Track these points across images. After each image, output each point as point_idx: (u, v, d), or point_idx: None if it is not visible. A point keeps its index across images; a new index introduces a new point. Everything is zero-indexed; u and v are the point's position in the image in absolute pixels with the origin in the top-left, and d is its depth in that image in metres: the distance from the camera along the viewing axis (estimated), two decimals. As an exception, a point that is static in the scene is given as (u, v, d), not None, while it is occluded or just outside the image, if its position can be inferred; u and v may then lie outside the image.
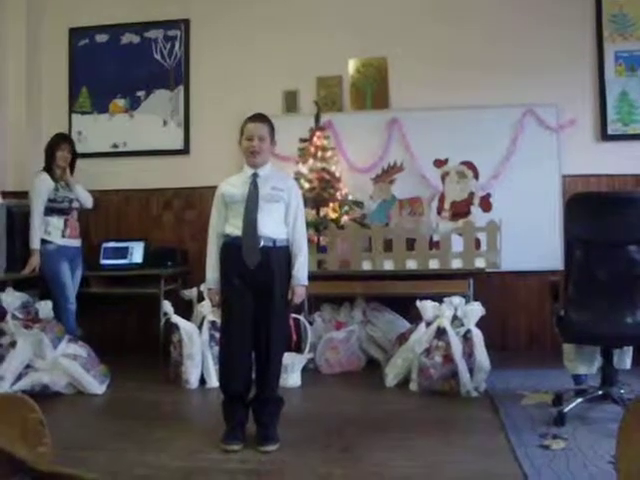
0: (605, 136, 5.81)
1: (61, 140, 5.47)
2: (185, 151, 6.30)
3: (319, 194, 5.43)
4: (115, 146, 6.40)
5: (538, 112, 5.80)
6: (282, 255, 3.56)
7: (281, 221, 3.58)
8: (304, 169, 5.53)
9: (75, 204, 5.46)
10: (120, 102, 6.42)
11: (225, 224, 3.58)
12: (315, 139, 5.59)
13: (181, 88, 6.33)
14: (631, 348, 4.17)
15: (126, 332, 6.08)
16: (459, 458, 3.30)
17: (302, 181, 5.41)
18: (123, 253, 6.05)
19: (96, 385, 4.72)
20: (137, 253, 6.04)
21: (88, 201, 5.59)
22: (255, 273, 3.47)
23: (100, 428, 3.96)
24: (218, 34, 6.28)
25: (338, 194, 5.52)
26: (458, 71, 5.85)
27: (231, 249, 3.51)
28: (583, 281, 3.75)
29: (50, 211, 5.29)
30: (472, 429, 3.77)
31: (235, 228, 3.51)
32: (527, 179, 5.74)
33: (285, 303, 3.58)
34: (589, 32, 5.86)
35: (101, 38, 6.43)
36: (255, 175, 3.56)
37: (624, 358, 4.17)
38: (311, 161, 5.52)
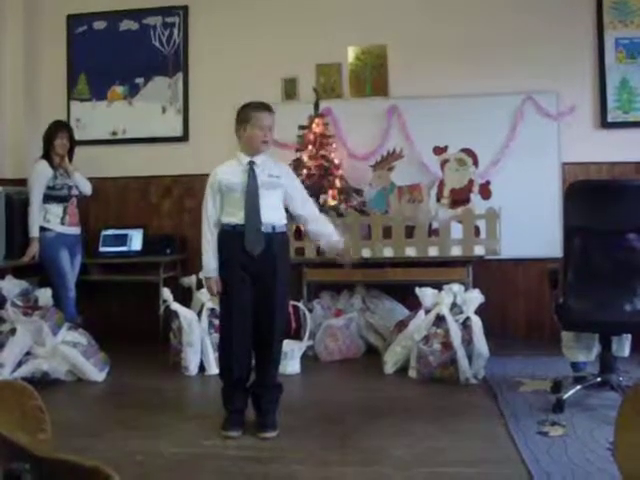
0: (605, 124, 5.79)
1: (59, 127, 5.45)
2: (184, 138, 6.29)
3: (318, 182, 5.42)
4: (114, 133, 6.38)
5: (538, 100, 5.78)
6: (282, 241, 3.59)
7: (279, 207, 3.59)
8: (303, 156, 5.52)
9: (74, 191, 5.45)
10: (119, 89, 6.39)
11: (221, 212, 3.57)
12: (314, 126, 5.58)
13: (180, 75, 6.30)
14: (630, 336, 4.20)
15: (125, 319, 6.07)
16: (457, 444, 3.31)
17: (301, 168, 5.41)
18: (122, 240, 6.06)
19: (96, 372, 4.73)
20: (136, 240, 6.04)
21: (87, 188, 5.59)
22: (257, 260, 3.47)
23: (100, 415, 3.99)
24: (217, 21, 6.25)
25: (337, 181, 5.52)
26: (457, 59, 5.82)
27: (231, 237, 3.51)
28: (582, 269, 3.76)
29: (49, 199, 5.28)
30: (471, 416, 3.79)
31: (232, 216, 3.51)
32: (527, 167, 5.73)
33: (286, 289, 3.61)
34: (589, 19, 5.83)
35: (99, 25, 6.39)
36: (252, 163, 3.55)
37: (623, 345, 4.19)
38: (310, 148, 5.51)
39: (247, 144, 3.58)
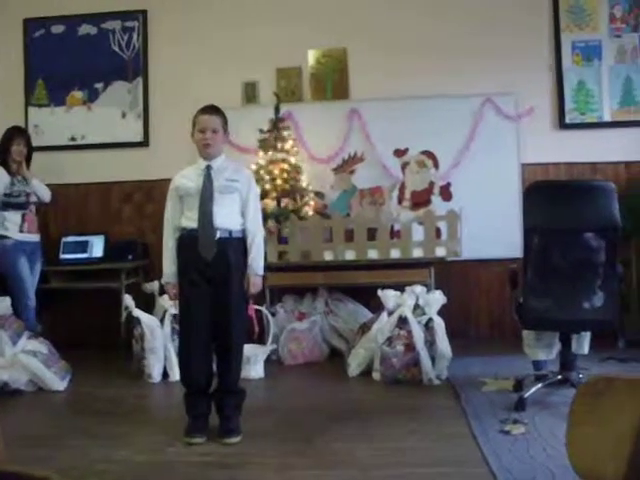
0: (563, 125, 5.88)
1: (16, 134, 5.38)
2: (145, 143, 6.24)
3: (280, 185, 5.41)
4: (73, 139, 6.31)
5: (497, 101, 5.84)
6: (238, 246, 3.56)
7: (237, 212, 3.57)
8: (264, 160, 5.51)
9: (32, 198, 5.38)
10: (78, 94, 6.32)
11: (180, 217, 3.56)
12: (275, 130, 5.57)
13: (140, 80, 6.26)
14: (589, 333, 4.24)
15: (87, 327, 5.99)
16: (421, 445, 3.33)
17: (263, 172, 5.40)
18: (83, 247, 5.99)
19: (57, 381, 4.66)
20: (97, 247, 5.99)
21: (46, 195, 5.52)
22: (212, 265, 3.46)
23: (61, 425, 3.92)
24: (176, 25, 6.21)
25: (298, 185, 5.51)
26: (417, 61, 5.87)
27: (187, 242, 3.50)
28: (541, 268, 3.80)
29: (6, 206, 5.21)
30: (434, 416, 3.80)
31: (191, 221, 3.50)
32: (487, 168, 5.78)
33: (243, 294, 3.59)
34: (547, 23, 5.92)
35: (57, 29, 6.32)
36: (209, 167, 3.55)
37: (582, 343, 4.24)
38: (271, 152, 5.50)
39: (197, 148, 3.60)
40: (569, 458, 1.30)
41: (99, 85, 6.29)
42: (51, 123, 6.32)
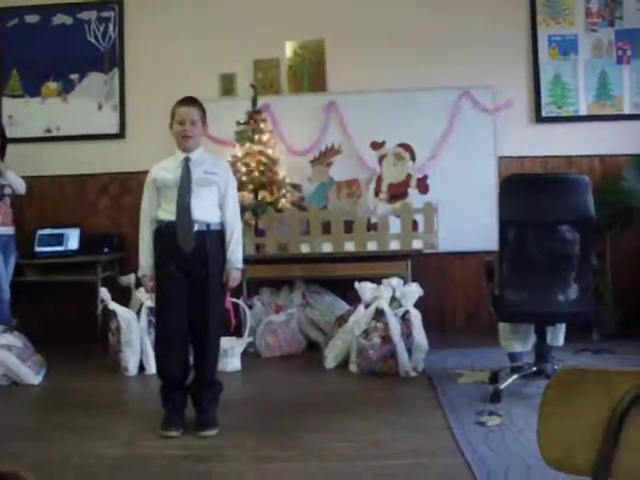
0: (539, 118, 5.92)
1: (-11, 125, 5.33)
2: (121, 135, 6.20)
3: (257, 177, 5.40)
4: (48, 130, 6.25)
5: (474, 94, 5.87)
6: (216, 239, 3.54)
7: (215, 205, 3.55)
8: (241, 152, 5.49)
9: (7, 190, 5.32)
10: (53, 85, 6.26)
11: (157, 209, 3.54)
12: (252, 122, 5.55)
13: (116, 71, 6.21)
14: (564, 325, 4.28)
15: (63, 320, 5.96)
16: (397, 436, 3.35)
17: (239, 164, 5.39)
18: (59, 240, 5.94)
19: (32, 375, 4.62)
20: (73, 240, 5.94)
21: (21, 187, 5.45)
22: (190, 258, 3.45)
23: (36, 419, 3.90)
24: (153, 16, 6.17)
25: (276, 177, 5.50)
26: (395, 54, 5.88)
27: (165, 234, 3.48)
28: (516, 261, 3.83)
29: (-20, 198, 5.16)
30: (410, 408, 3.82)
31: (168, 213, 3.47)
32: (464, 161, 5.81)
33: (220, 287, 3.58)
34: (524, 16, 5.95)
35: (31, 19, 6.24)
36: (187, 159, 3.52)
37: (557, 335, 4.27)
38: (248, 144, 5.49)
39: (176, 140, 3.57)
40: (540, 448, 1.31)
41: (75, 76, 6.23)
42: (26, 114, 6.25)
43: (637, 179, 5.50)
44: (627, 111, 5.86)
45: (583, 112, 5.88)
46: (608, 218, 5.26)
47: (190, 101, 3.57)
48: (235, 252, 3.57)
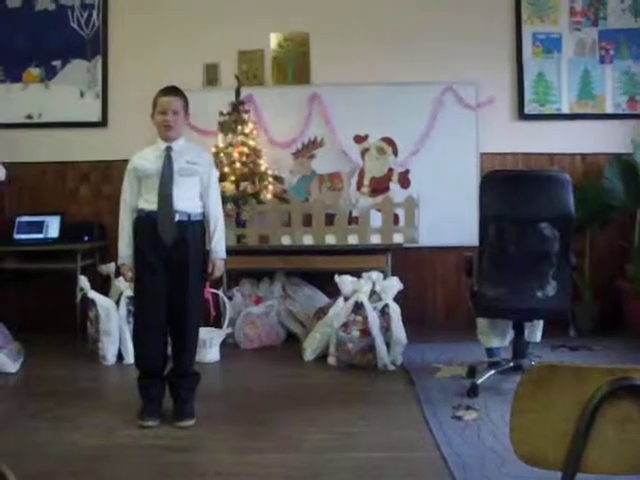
0: (522, 115, 5.93)
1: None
2: (103, 123, 6.13)
3: (239, 168, 5.39)
4: (29, 117, 6.18)
5: (458, 90, 5.87)
6: (197, 229, 3.54)
7: (196, 195, 3.55)
8: (224, 143, 5.47)
9: (-15, 176, 5.27)
10: (35, 71, 6.18)
11: (138, 198, 3.53)
12: (235, 113, 5.53)
13: (99, 59, 6.14)
14: (541, 322, 4.30)
15: (41, 308, 5.91)
16: (374, 429, 3.37)
17: (222, 155, 5.37)
18: (38, 227, 5.88)
19: (9, 363, 4.59)
20: (53, 227, 5.88)
21: (0, 174, 5.41)
22: (170, 248, 3.44)
23: (11, 407, 3.86)
24: (137, 3, 6.10)
25: (258, 169, 5.49)
26: (379, 47, 5.86)
27: (145, 224, 3.47)
28: (496, 257, 3.85)
29: (-41, 184, 5.11)
30: (388, 402, 3.84)
31: (149, 203, 3.46)
32: (446, 156, 5.81)
33: (200, 277, 3.58)
34: (509, 13, 5.95)
35: (13, 3, 6.14)
36: (169, 149, 3.51)
37: (535, 331, 4.30)
38: (231, 135, 5.47)
39: (157, 130, 3.56)
40: (512, 443, 1.33)
41: (57, 63, 6.16)
42: (7, 100, 6.17)
43: (617, 178, 5.54)
44: (609, 110, 5.89)
45: (565, 110, 5.91)
46: (588, 216, 5.30)
47: (172, 91, 3.56)
48: (220, 242, 3.60)
